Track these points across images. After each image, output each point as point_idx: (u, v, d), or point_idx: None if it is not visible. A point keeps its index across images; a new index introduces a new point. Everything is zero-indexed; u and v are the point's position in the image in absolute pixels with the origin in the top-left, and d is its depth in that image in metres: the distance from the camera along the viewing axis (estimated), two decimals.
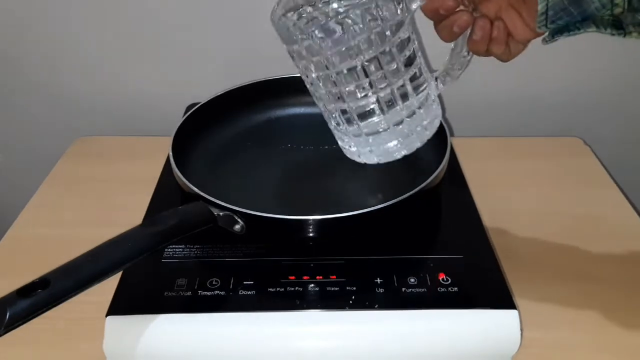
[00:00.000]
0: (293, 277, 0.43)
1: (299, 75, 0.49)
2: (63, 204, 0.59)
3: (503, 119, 0.75)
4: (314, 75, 0.46)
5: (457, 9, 0.41)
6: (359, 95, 0.46)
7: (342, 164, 0.56)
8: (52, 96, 0.73)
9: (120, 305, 0.41)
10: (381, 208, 0.44)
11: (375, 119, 0.47)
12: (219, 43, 0.68)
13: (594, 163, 0.65)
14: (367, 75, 0.45)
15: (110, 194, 0.59)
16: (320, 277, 0.43)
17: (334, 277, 0.43)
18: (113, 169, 0.64)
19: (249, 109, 0.60)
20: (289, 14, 0.45)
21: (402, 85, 0.46)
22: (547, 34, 0.40)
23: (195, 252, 0.46)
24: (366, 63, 0.44)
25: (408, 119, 0.48)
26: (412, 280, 0.43)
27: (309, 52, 0.44)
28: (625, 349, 0.43)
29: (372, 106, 0.47)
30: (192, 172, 0.53)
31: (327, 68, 0.45)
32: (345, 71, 0.44)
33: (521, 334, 0.40)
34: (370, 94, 0.46)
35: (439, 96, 0.51)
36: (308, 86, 0.49)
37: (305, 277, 0.43)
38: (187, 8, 0.65)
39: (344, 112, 0.48)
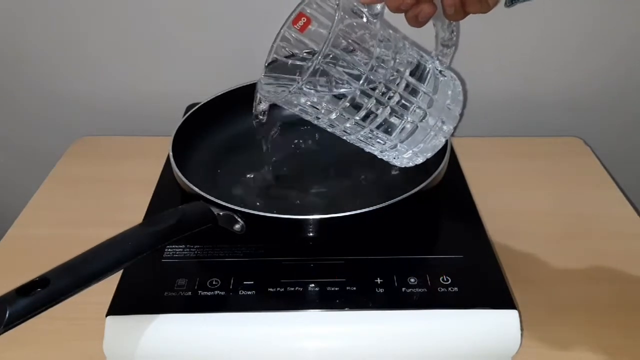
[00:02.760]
0: (293, 277, 0.43)
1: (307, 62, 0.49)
2: (63, 204, 0.59)
3: (503, 119, 0.75)
4: (327, 119, 0.46)
5: None
6: (373, 116, 0.45)
7: (342, 163, 0.56)
8: (52, 96, 0.73)
9: (120, 305, 0.41)
10: (381, 208, 0.44)
11: (401, 125, 0.47)
12: (219, 43, 0.68)
13: (594, 163, 0.65)
14: (369, 96, 0.44)
15: (110, 194, 0.59)
16: (320, 277, 0.43)
17: (334, 277, 0.43)
18: (113, 169, 0.64)
19: (249, 109, 0.60)
20: (274, 82, 0.47)
21: (407, 85, 0.45)
22: None
23: (196, 252, 0.46)
24: (366, 86, 0.43)
25: (430, 109, 0.47)
26: (412, 280, 0.43)
27: (310, 106, 0.44)
28: (625, 349, 0.43)
29: (390, 118, 0.46)
30: (192, 172, 0.53)
31: (331, 111, 0.44)
32: (347, 104, 0.44)
33: (521, 334, 0.40)
34: (382, 108, 0.45)
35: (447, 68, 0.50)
36: (330, 130, 0.48)
37: (305, 277, 0.43)
38: (187, 8, 0.65)
39: (369, 136, 0.48)
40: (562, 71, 0.71)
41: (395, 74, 0.44)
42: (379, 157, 0.51)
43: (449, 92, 0.48)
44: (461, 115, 0.50)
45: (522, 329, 0.40)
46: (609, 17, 0.66)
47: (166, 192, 0.54)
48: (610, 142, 0.75)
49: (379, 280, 0.43)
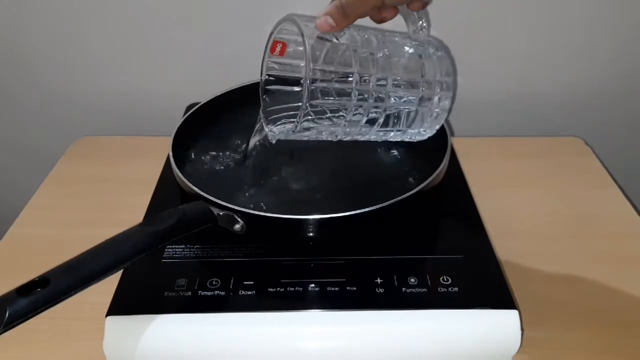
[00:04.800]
0: (293, 277, 0.43)
1: (299, 75, 0.50)
2: (63, 204, 0.59)
3: (503, 119, 0.75)
4: (333, 136, 0.48)
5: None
6: (374, 118, 0.47)
7: (342, 163, 0.56)
8: (52, 96, 0.73)
9: (120, 305, 0.41)
10: (381, 208, 0.44)
11: (402, 116, 0.48)
12: (219, 43, 0.68)
13: (594, 163, 0.65)
14: (364, 106, 0.45)
15: (110, 194, 0.59)
16: (320, 277, 0.43)
17: (334, 277, 0.43)
18: (113, 169, 0.64)
19: (249, 108, 0.60)
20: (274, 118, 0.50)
21: (395, 80, 0.46)
22: None
23: (195, 252, 0.46)
24: (358, 100, 0.45)
25: (423, 90, 0.48)
26: (412, 280, 0.43)
27: (318, 131, 0.46)
28: (625, 349, 0.43)
29: (390, 115, 0.48)
30: (192, 171, 0.53)
31: (335, 131, 0.46)
32: (348, 121, 0.46)
33: (521, 334, 0.40)
34: (380, 110, 0.47)
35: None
36: (347, 139, 0.50)
37: (305, 277, 0.43)
38: (187, 8, 0.65)
39: (378, 133, 0.49)
40: (562, 71, 0.71)
41: (380, 74, 0.45)
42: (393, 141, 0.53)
43: (436, 67, 0.49)
44: (455, 83, 0.51)
45: (522, 329, 0.40)
46: (609, 16, 0.66)
47: (166, 192, 0.54)
48: (611, 142, 0.75)
49: (379, 280, 0.43)
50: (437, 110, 0.50)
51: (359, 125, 0.47)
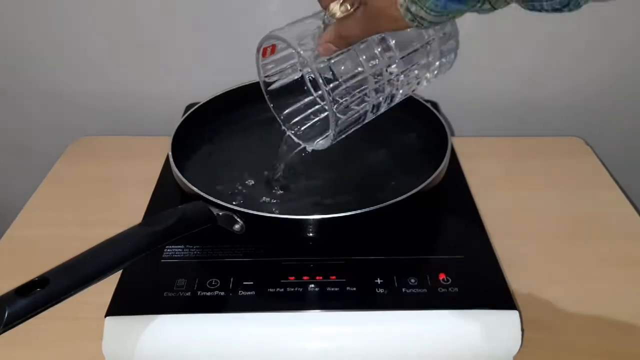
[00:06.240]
0: (293, 278, 0.43)
1: (295, 60, 0.51)
2: (63, 204, 0.59)
3: (503, 119, 0.74)
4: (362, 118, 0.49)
5: None
6: (391, 92, 0.49)
7: (342, 163, 0.56)
8: (52, 96, 0.73)
9: (120, 306, 0.41)
10: (381, 208, 0.44)
11: (415, 77, 0.50)
12: (219, 43, 0.68)
13: (595, 163, 0.65)
14: (382, 87, 0.47)
15: (110, 194, 0.59)
16: (320, 278, 0.43)
17: (334, 277, 0.43)
18: (113, 169, 0.64)
19: (248, 108, 0.60)
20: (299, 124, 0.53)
21: (402, 57, 0.47)
22: None
23: (195, 252, 0.46)
24: (375, 84, 0.46)
25: (430, 52, 0.49)
26: (413, 280, 0.43)
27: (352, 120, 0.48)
28: (625, 350, 0.43)
29: (407, 85, 0.50)
30: (191, 172, 0.53)
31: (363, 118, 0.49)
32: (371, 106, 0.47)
33: (522, 334, 0.40)
34: (396, 83, 0.48)
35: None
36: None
37: (305, 278, 0.43)
38: (186, 9, 0.65)
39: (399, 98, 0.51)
40: (562, 71, 0.70)
41: (387, 61, 0.46)
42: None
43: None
44: (456, 29, 0.53)
45: (522, 329, 0.40)
46: (609, 20, 0.66)
47: (166, 192, 0.54)
48: (611, 142, 0.75)
49: (379, 281, 0.43)
50: (443, 60, 0.51)
51: (381, 107, 0.48)
